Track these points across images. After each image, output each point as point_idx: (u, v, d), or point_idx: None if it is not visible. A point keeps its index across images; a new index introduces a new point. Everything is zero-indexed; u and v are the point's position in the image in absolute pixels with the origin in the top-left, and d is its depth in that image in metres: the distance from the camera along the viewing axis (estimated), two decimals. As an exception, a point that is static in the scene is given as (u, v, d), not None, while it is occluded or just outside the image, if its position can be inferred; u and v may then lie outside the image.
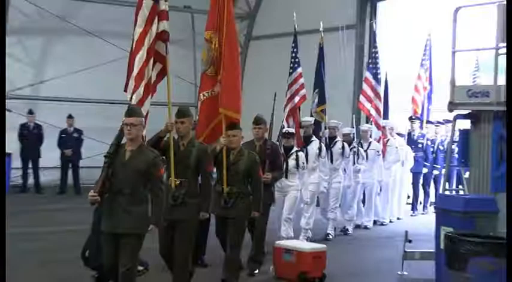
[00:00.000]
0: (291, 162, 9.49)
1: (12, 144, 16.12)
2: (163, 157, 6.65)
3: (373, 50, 13.73)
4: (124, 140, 5.88)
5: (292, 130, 10.23)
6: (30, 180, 16.35)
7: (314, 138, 10.65)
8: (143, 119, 6.13)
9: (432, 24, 14.73)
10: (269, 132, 9.08)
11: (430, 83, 15.17)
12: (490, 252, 5.67)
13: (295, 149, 9.74)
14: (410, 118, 14.63)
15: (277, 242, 8.75)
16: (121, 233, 5.72)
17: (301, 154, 9.70)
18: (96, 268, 6.96)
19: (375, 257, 9.95)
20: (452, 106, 8.61)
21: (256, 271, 8.40)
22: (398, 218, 13.58)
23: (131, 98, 7.15)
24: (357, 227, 12.31)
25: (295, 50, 11.79)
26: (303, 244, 8.81)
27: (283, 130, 10.29)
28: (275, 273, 8.41)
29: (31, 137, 16.12)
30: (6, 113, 16.64)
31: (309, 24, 12.60)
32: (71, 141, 16.14)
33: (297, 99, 11.38)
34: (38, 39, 17.39)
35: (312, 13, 13.08)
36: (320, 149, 10.41)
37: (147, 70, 7.22)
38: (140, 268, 7.55)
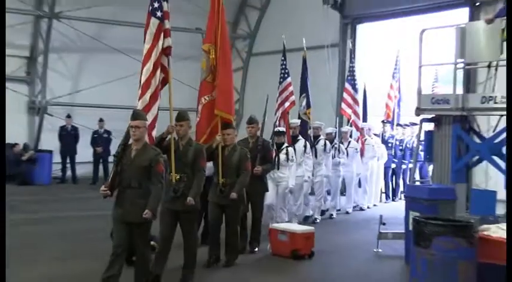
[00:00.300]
0: (282, 156, 9.46)
1: (53, 143, 16.31)
2: (165, 155, 6.49)
3: (351, 64, 13.75)
4: (131, 141, 5.81)
5: (283, 129, 10.18)
6: (68, 173, 16.38)
7: (300, 137, 10.59)
8: (147, 121, 6.01)
9: (401, 43, 14.69)
10: (261, 130, 8.87)
11: (399, 92, 15.19)
12: (450, 232, 5.64)
13: (285, 145, 9.68)
14: (383, 121, 14.66)
15: (273, 224, 8.79)
16: (130, 221, 5.66)
17: (291, 149, 9.66)
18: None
19: (355, 237, 9.97)
20: (419, 111, 8.66)
21: (256, 249, 8.39)
22: (374, 205, 13.56)
23: (138, 103, 6.97)
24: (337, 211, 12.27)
25: (284, 62, 11.71)
26: (295, 226, 8.81)
27: (275, 129, 10.21)
28: (271, 250, 8.43)
29: (69, 137, 16.17)
30: (49, 117, 16.80)
31: (300, 42, 12.60)
32: (101, 140, 16.21)
33: (287, 104, 11.31)
34: (75, 56, 17.40)
35: (303, 34, 13.06)
36: (305, 146, 10.37)
37: (153, 80, 7.00)
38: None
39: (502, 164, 7.93)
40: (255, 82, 18.94)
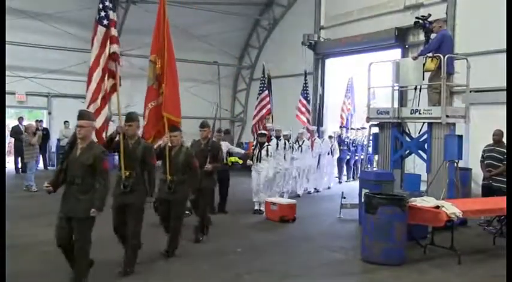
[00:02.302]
0: (263, 152, 8.82)
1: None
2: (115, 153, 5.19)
3: (304, 82, 12.59)
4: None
5: (265, 132, 9.56)
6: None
7: (273, 138, 9.98)
8: (92, 121, 4.63)
9: (355, 72, 14.53)
10: (211, 133, 7.34)
11: (353, 106, 14.93)
12: (389, 203, 5.68)
13: (266, 144, 9.04)
14: (340, 127, 14.38)
15: (267, 198, 8.62)
16: (73, 217, 4.39)
17: (270, 147, 9.03)
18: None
19: (324, 207, 9.93)
20: (368, 119, 8.68)
21: (201, 238, 6.61)
22: (328, 187, 12.63)
23: (88, 107, 5.26)
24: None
25: (263, 80, 11.33)
26: (282, 200, 8.72)
27: (259, 132, 9.52)
28: (266, 216, 8.41)
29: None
30: (111, 122, 16.69)
31: (283, 71, 12.32)
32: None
33: (264, 111, 10.71)
34: (129, 80, 17.34)
35: (287, 65, 12.91)
36: (277, 145, 9.74)
37: (103, 85, 5.39)
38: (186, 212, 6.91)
39: (424, 156, 7.98)
40: (255, 98, 18.78)
